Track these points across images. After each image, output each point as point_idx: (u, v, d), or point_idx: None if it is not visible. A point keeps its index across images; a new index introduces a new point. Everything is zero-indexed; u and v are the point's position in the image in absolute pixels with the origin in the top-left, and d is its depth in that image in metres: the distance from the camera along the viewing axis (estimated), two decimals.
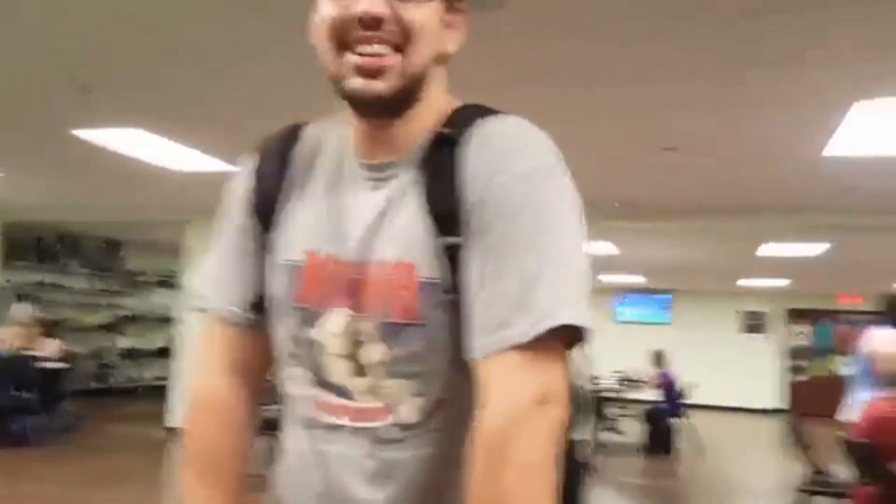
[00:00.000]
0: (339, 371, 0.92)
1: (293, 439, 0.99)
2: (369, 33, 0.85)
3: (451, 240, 0.86)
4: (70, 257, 11.72)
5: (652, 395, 9.49)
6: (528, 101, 4.16)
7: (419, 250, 0.87)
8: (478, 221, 0.84)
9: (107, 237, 12.23)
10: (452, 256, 0.86)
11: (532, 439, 0.77)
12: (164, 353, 13.06)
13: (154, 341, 13.22)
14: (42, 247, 11.32)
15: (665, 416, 8.94)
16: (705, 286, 14.50)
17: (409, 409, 0.89)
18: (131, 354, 12.70)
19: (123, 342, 12.70)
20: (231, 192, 1.04)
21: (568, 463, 1.00)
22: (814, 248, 8.75)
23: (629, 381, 9.92)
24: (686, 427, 9.01)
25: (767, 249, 8.97)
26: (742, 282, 12.88)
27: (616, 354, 11.34)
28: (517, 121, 0.90)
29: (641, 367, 10.11)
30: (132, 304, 12.93)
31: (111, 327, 12.51)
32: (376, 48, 0.85)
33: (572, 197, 0.87)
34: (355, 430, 0.91)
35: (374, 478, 0.90)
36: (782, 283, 12.85)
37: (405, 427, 0.89)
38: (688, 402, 9.31)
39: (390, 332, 0.88)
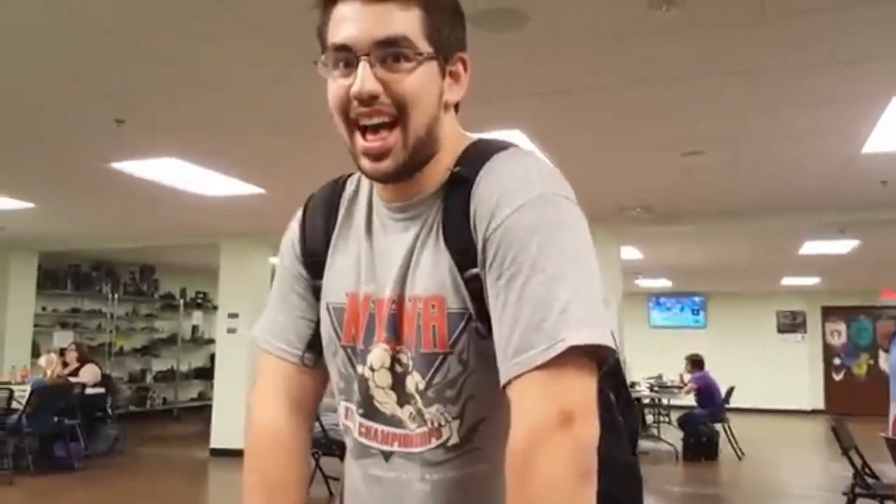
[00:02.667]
0: (385, 402, 1.00)
1: (352, 468, 1.06)
2: (366, 109, 0.92)
3: (470, 273, 0.92)
4: (106, 283, 11.94)
5: (688, 400, 9.41)
6: (552, 112, 4.19)
7: (446, 284, 0.94)
8: (489, 254, 0.89)
9: (141, 262, 12.44)
10: (477, 287, 0.92)
11: (554, 458, 0.79)
12: (199, 374, 13.24)
13: (189, 363, 13.40)
14: (78, 274, 11.55)
15: (701, 422, 8.85)
16: (740, 287, 14.36)
17: (450, 432, 0.96)
18: (167, 377, 12.88)
19: (159, 365, 12.90)
20: (283, 244, 1.13)
21: (629, 478, 1.03)
22: (845, 245, 8.66)
23: (664, 387, 9.84)
24: (726, 431, 8.92)
25: (806, 248, 8.89)
26: (784, 281, 12.74)
27: (651, 360, 11.29)
28: (523, 155, 0.96)
29: (677, 372, 10.03)
30: (167, 326, 13.12)
31: (147, 350, 12.71)
32: (375, 121, 0.92)
33: (576, 220, 0.91)
34: (406, 455, 0.98)
35: (427, 499, 0.97)
36: (813, 281, 12.69)
37: (449, 448, 0.96)
38: (728, 406, 9.21)
39: (425, 361, 0.95)
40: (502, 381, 0.86)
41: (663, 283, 13.81)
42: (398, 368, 0.97)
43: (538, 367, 0.82)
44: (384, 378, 0.99)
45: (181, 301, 13.14)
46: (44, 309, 10.72)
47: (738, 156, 5.18)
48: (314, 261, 1.07)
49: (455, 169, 0.96)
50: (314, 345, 1.08)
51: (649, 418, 10.06)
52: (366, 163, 0.94)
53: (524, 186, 0.90)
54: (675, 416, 9.48)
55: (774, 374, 14.45)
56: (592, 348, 0.83)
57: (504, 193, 0.90)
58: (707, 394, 9.12)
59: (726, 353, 13.32)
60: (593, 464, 0.81)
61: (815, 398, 14.49)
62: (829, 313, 14.93)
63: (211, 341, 12.13)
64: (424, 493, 0.97)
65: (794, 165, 5.42)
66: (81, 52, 3.41)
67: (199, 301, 13.56)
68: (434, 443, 0.96)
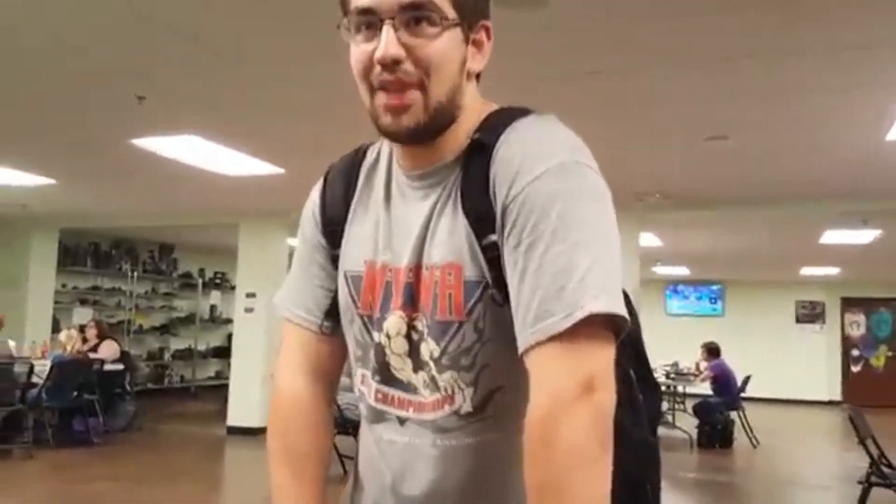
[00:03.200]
0: (401, 368, 1.00)
1: (367, 433, 1.08)
2: (390, 77, 0.91)
3: (488, 240, 0.91)
4: (125, 261, 12.05)
5: (703, 388, 9.37)
6: (572, 94, 4.15)
7: (463, 252, 0.94)
8: (509, 221, 0.88)
9: (161, 241, 12.54)
10: (494, 255, 0.91)
11: (577, 426, 0.79)
12: (217, 353, 13.36)
13: (207, 342, 13.52)
14: (98, 252, 11.66)
15: (716, 410, 8.82)
16: (759, 277, 14.25)
17: (464, 399, 0.96)
18: (185, 355, 13.01)
19: (177, 343, 13.02)
20: (304, 214, 1.14)
21: (649, 457, 1.03)
22: (867, 235, 8.56)
23: (680, 375, 9.81)
24: (741, 420, 8.88)
25: (827, 237, 8.79)
26: (803, 271, 12.62)
27: (668, 348, 11.24)
28: (544, 120, 0.95)
29: (693, 360, 9.98)
30: (185, 305, 13.24)
31: (165, 329, 12.84)
32: (399, 85, 0.92)
33: (599, 189, 0.90)
34: (419, 421, 0.99)
35: (438, 464, 0.98)
36: (833, 271, 12.57)
37: (462, 416, 0.96)
38: (744, 395, 9.16)
39: (441, 329, 0.95)
40: (520, 349, 0.86)
41: (681, 271, 13.72)
42: (414, 336, 0.98)
43: (557, 336, 0.82)
44: (400, 345, 0.99)
45: (200, 281, 13.24)
46: (64, 286, 10.84)
47: (762, 142, 5.11)
48: (333, 229, 1.07)
49: (475, 136, 0.95)
50: (334, 314, 1.09)
51: (664, 406, 10.02)
52: (386, 119, 0.93)
53: (546, 153, 0.89)
54: (690, 404, 9.46)
55: (792, 364, 14.36)
56: (611, 317, 0.83)
57: (525, 160, 0.89)
58: (723, 382, 9.09)
59: (744, 343, 13.22)
60: (611, 433, 0.81)
61: (832, 389, 14.38)
62: (848, 304, 14.79)
63: (229, 321, 12.22)
64: (436, 459, 0.98)
65: (817, 153, 5.35)
66: (102, 27, 3.42)
67: (218, 281, 13.65)
68: (447, 409, 0.97)
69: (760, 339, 14.34)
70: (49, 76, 4.14)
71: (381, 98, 0.92)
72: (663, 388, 9.60)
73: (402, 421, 1.00)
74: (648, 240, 9.10)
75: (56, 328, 9.85)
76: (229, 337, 10.54)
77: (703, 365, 9.48)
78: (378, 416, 1.03)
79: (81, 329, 8.59)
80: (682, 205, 7.19)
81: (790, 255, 10.86)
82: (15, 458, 6.77)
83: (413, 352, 0.98)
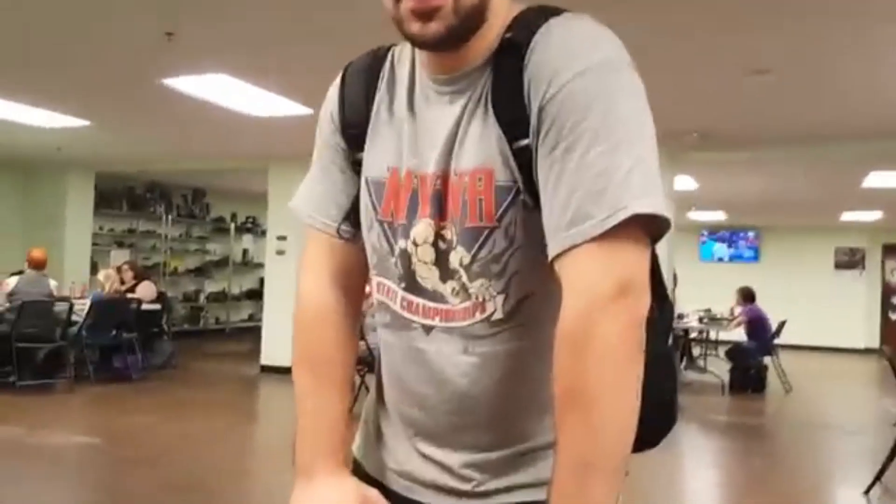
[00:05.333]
0: (427, 277, 0.97)
1: (390, 342, 1.04)
2: None
3: (521, 144, 0.88)
4: (159, 205, 12.19)
5: (737, 334, 9.28)
6: (602, 22, 4.00)
7: (494, 156, 0.90)
8: (545, 122, 0.85)
9: (193, 185, 12.65)
10: (526, 159, 0.88)
11: (612, 330, 0.78)
12: (250, 295, 13.58)
13: (240, 285, 13.74)
14: (133, 195, 11.81)
15: (749, 355, 8.74)
16: (797, 222, 13.96)
17: (495, 307, 0.93)
18: (219, 297, 13.24)
19: (212, 286, 13.25)
20: (322, 113, 1.09)
21: (665, 368, 1.00)
22: None
23: (713, 320, 9.72)
24: (774, 365, 8.79)
25: (870, 180, 8.52)
26: (844, 216, 12.32)
27: (702, 293, 11.12)
28: (580, 19, 0.90)
29: (728, 306, 9.87)
30: (219, 249, 13.42)
31: (200, 272, 13.05)
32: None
33: (638, 88, 0.87)
34: (448, 330, 0.96)
35: (467, 372, 0.96)
36: (875, 216, 12.24)
37: (493, 323, 0.94)
38: (778, 341, 9.05)
39: (471, 236, 0.92)
40: (554, 252, 0.83)
41: (717, 216, 13.48)
42: (441, 244, 0.95)
43: (595, 238, 0.80)
44: (427, 253, 0.96)
45: (232, 225, 13.38)
46: (101, 228, 11.03)
47: (806, 76, 4.91)
48: (354, 133, 1.03)
49: (506, 35, 0.90)
50: (354, 219, 1.05)
51: (696, 351, 9.98)
52: (412, 25, 0.88)
53: (584, 51, 0.85)
54: (723, 350, 9.39)
55: (829, 311, 14.16)
56: (651, 219, 0.81)
57: (562, 59, 0.85)
58: (757, 327, 8.99)
59: (780, 288, 13.03)
60: (644, 340, 0.80)
61: (870, 337, 14.18)
62: (890, 251, 14.47)
63: (261, 265, 12.38)
64: (466, 366, 0.96)
65: (865, 88, 5.13)
66: None
67: (249, 226, 13.79)
68: (478, 317, 0.94)
69: (797, 286, 14.12)
70: (78, 12, 4.10)
71: (408, 2, 0.87)
72: (695, 333, 9.53)
73: (427, 329, 0.98)
74: (684, 183, 8.91)
75: (94, 269, 10.05)
76: (262, 281, 10.67)
77: (738, 310, 9.37)
78: (403, 325, 1.00)
79: (118, 270, 8.76)
80: (719, 145, 7.00)
81: (831, 198, 10.58)
82: (57, 392, 7.00)
83: (440, 260, 0.95)
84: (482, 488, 0.98)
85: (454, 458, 0.99)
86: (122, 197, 11.58)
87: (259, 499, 4.16)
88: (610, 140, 0.81)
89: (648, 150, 0.84)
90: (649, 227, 0.82)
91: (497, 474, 0.97)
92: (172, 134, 7.71)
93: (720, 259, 15.30)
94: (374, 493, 1.00)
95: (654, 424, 0.94)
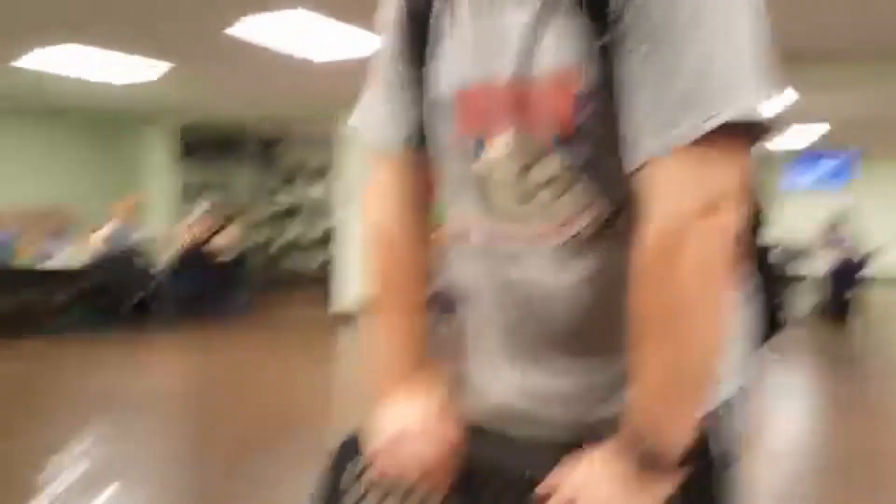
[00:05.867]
0: (507, 197, 0.89)
1: (470, 272, 0.98)
2: None
3: (604, 39, 0.79)
4: (236, 155, 12.47)
5: (824, 260, 8.86)
6: None
7: (573, 60, 0.81)
8: (631, 19, 0.77)
9: (267, 134, 12.85)
10: (610, 59, 0.79)
11: (703, 247, 0.74)
12: (323, 242, 13.82)
13: (314, 232, 13.99)
14: (211, 146, 12.11)
15: (835, 287, 8.43)
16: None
17: (582, 225, 0.86)
18: (293, 245, 13.55)
19: (286, 234, 13.55)
20: (384, 16, 1.01)
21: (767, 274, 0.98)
22: None
23: (796, 251, 9.34)
24: (860, 299, 8.46)
25: None
26: None
27: (787, 224, 10.56)
28: None
29: (816, 232, 9.44)
30: (292, 198, 13.67)
31: (274, 220, 13.36)
32: None
33: None
34: (532, 251, 0.89)
35: (562, 296, 0.89)
36: None
37: (581, 242, 0.87)
38: (870, 273, 8.68)
39: (555, 146, 0.84)
40: (637, 163, 0.77)
41: (809, 138, 12.37)
42: (525, 157, 0.86)
43: (684, 147, 0.74)
44: (508, 169, 0.88)
45: (303, 173, 13.59)
46: (181, 179, 11.39)
47: None
48: (418, 40, 0.95)
49: None
50: (419, 138, 0.98)
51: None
52: None
53: None
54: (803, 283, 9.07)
55: None
56: (750, 124, 0.74)
57: None
58: (845, 259, 8.62)
59: (874, 219, 12.21)
60: (732, 260, 0.76)
61: None
62: None
63: (331, 213, 12.55)
64: (558, 290, 0.89)
65: None
66: None
67: (322, 172, 13.95)
68: (564, 236, 0.87)
69: (892, 217, 13.35)
70: None
71: None
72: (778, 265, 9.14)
73: (510, 253, 0.91)
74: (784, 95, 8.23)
75: (176, 219, 10.43)
76: (332, 230, 10.83)
77: (827, 239, 9.00)
78: (483, 252, 0.94)
79: (201, 219, 9.06)
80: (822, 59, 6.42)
81: None
82: (142, 339, 7.36)
83: (521, 178, 0.87)
84: (589, 419, 0.90)
85: (554, 385, 0.92)
86: (200, 147, 11.87)
87: (341, 432, 4.31)
88: (702, 36, 0.73)
89: (748, 43, 0.75)
90: (748, 132, 0.75)
91: (602, 399, 0.90)
92: (246, 83, 7.77)
93: (808, 188, 14.13)
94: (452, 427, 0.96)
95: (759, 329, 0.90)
